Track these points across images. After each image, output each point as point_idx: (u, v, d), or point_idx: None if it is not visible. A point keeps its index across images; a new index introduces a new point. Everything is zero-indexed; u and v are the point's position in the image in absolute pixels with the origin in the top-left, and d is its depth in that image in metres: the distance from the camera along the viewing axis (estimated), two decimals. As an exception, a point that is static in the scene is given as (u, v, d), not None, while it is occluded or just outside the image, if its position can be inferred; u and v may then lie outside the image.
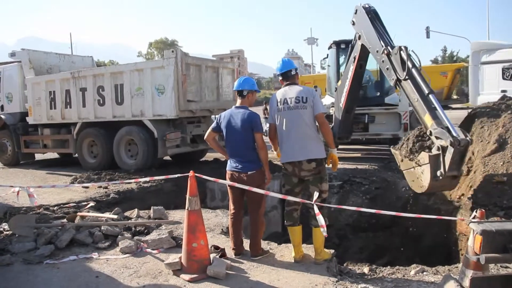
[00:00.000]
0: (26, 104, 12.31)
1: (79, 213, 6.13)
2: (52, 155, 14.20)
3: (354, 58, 7.05)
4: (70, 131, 11.45)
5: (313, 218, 4.19)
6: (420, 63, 5.47)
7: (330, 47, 12.20)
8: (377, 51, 6.00)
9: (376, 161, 10.81)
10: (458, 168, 4.65)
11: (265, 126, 6.41)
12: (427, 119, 4.94)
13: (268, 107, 4.78)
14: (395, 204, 7.44)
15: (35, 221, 5.68)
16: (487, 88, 12.43)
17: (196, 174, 4.35)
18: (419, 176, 4.94)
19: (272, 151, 5.08)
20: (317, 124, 4.45)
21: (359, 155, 12.87)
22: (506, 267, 4.07)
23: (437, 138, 4.71)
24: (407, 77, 5.33)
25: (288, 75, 4.64)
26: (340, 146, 6.29)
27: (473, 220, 3.08)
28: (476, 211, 3.17)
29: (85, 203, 7.03)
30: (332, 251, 4.67)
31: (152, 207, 6.25)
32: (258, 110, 7.25)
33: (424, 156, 4.82)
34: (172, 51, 9.35)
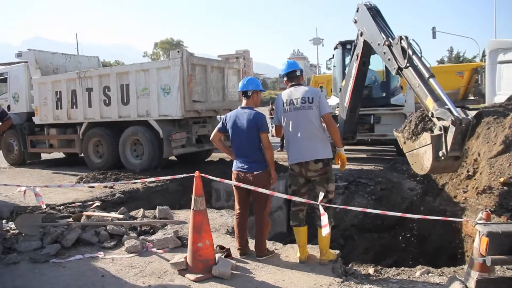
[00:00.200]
0: (32, 104, 12.40)
1: (85, 213, 6.16)
2: (58, 154, 14.27)
3: (357, 55, 7.10)
4: (76, 131, 11.51)
5: (318, 218, 4.18)
6: (420, 51, 5.50)
7: (335, 48, 12.19)
8: (378, 44, 6.07)
9: (382, 162, 10.79)
10: (460, 148, 4.67)
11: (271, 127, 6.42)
12: (429, 102, 4.97)
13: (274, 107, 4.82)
14: (401, 205, 7.42)
15: (41, 220, 5.72)
16: (505, 88, 12.02)
17: (202, 174, 4.36)
18: (421, 157, 4.95)
19: (278, 151, 5.09)
20: (323, 124, 4.46)
21: (364, 155, 12.85)
22: (512, 269, 4.05)
23: (439, 119, 4.74)
24: (408, 65, 5.39)
25: (292, 76, 4.65)
26: (345, 147, 6.28)
27: (479, 221, 3.07)
28: (482, 213, 3.16)
29: (91, 202, 7.06)
30: (337, 251, 4.66)
31: (157, 207, 6.28)
32: (264, 110, 7.24)
33: (426, 137, 4.84)
34: (178, 52, 9.37)
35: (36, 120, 12.32)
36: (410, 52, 5.37)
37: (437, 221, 6.11)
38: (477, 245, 2.96)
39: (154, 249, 4.95)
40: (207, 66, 10.09)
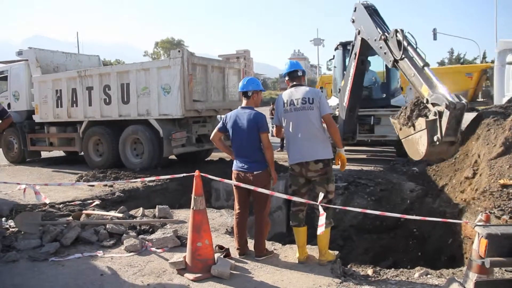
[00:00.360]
0: (32, 102, 12.41)
1: (84, 211, 6.16)
2: (58, 153, 14.27)
3: (355, 54, 7.14)
4: (76, 130, 11.51)
5: (318, 219, 4.18)
6: (416, 42, 5.56)
7: (336, 49, 12.20)
8: (375, 40, 6.14)
9: (382, 163, 10.80)
10: (455, 133, 4.71)
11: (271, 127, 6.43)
12: (424, 89, 5.02)
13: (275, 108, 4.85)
14: (400, 206, 7.42)
15: (41, 218, 5.72)
16: None
17: (202, 174, 4.37)
18: (416, 142, 4.99)
19: (278, 151, 5.10)
20: (324, 125, 4.46)
21: (364, 156, 12.86)
22: (511, 271, 4.05)
23: (433, 105, 4.79)
24: (403, 56, 5.45)
25: (294, 76, 4.66)
26: (345, 148, 6.29)
27: (478, 223, 3.07)
28: (481, 215, 3.16)
29: (91, 201, 7.06)
30: (336, 252, 4.67)
31: (157, 206, 6.28)
32: (265, 110, 7.24)
33: (421, 122, 4.88)
34: (179, 51, 9.37)
35: (36, 118, 12.32)
36: (405, 44, 5.44)
37: (437, 223, 6.11)
38: (476, 247, 2.96)
39: (153, 248, 4.96)
40: (207, 65, 10.09)
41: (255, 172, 4.51)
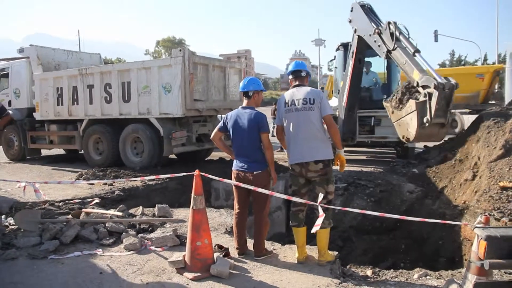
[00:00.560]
0: (33, 100, 12.40)
1: (84, 210, 6.17)
2: (58, 151, 14.27)
3: (352, 53, 7.19)
4: (77, 128, 11.51)
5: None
6: (408, 32, 5.63)
7: (337, 49, 12.19)
8: (370, 35, 6.19)
9: (382, 164, 10.79)
10: (444, 114, 4.73)
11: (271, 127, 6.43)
12: (415, 74, 5.05)
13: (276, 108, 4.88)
14: (400, 208, 7.42)
15: (41, 216, 5.72)
16: None
17: (202, 173, 4.37)
18: (407, 125, 5.02)
19: (278, 151, 5.10)
20: (324, 125, 4.47)
21: (364, 157, 12.85)
22: (510, 273, 4.05)
23: (424, 87, 4.81)
24: (396, 46, 5.50)
25: (297, 75, 4.67)
26: (345, 149, 6.28)
27: (477, 225, 3.07)
28: (481, 216, 3.16)
29: (90, 199, 7.06)
30: (336, 253, 4.67)
31: (156, 205, 6.28)
32: (266, 110, 7.25)
33: (411, 104, 4.92)
34: (180, 50, 9.38)
35: (37, 116, 12.31)
36: (397, 33, 5.51)
37: (436, 224, 6.12)
38: (476, 249, 2.96)
39: (152, 247, 4.96)
40: (208, 65, 10.10)
41: (255, 172, 4.51)
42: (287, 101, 4.52)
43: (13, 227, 5.64)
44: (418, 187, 7.83)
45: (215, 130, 4.86)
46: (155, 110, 9.72)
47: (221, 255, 4.48)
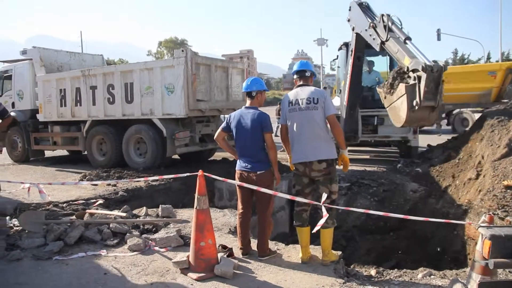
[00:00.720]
0: (36, 101, 12.43)
1: (88, 210, 6.18)
2: (62, 152, 14.32)
3: (351, 51, 7.22)
4: (80, 129, 11.53)
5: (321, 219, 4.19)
6: (401, 23, 5.63)
7: (340, 49, 12.18)
8: (366, 30, 6.21)
9: (385, 163, 10.78)
10: (434, 97, 4.74)
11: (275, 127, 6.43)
12: (406, 60, 5.06)
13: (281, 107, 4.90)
14: (403, 207, 7.41)
15: (45, 217, 5.74)
16: None
17: (205, 174, 4.37)
18: (398, 109, 5.05)
19: (281, 151, 5.10)
20: (328, 125, 4.47)
21: (367, 157, 12.85)
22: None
23: (414, 71, 4.83)
24: (389, 37, 5.52)
25: (302, 75, 4.68)
26: (348, 148, 6.28)
27: (482, 224, 3.06)
28: (485, 216, 3.16)
29: (94, 200, 7.07)
30: (340, 252, 4.67)
31: (160, 205, 6.29)
32: (270, 110, 7.25)
33: (401, 88, 4.94)
34: (182, 51, 9.39)
35: (40, 117, 12.34)
36: (390, 24, 5.54)
37: (440, 223, 6.11)
38: (480, 248, 2.96)
39: (156, 248, 4.97)
40: (211, 65, 10.10)
41: (258, 172, 4.51)
42: (291, 100, 4.53)
43: (17, 228, 5.66)
44: (421, 186, 7.82)
45: (219, 130, 4.87)
46: (158, 110, 9.73)
47: (225, 255, 4.49)
